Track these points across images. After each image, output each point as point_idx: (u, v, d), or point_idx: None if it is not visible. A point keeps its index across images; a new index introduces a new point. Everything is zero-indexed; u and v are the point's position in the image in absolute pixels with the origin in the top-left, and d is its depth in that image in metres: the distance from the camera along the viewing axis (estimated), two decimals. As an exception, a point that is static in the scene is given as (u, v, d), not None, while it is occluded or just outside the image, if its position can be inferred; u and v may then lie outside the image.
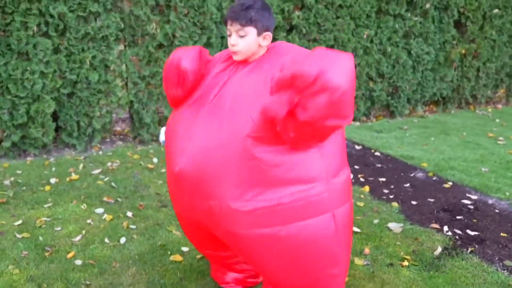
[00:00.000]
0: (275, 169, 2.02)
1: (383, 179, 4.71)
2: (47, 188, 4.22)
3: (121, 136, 5.89)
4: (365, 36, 6.61)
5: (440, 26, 7.19)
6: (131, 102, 5.51)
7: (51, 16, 4.82)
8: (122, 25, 5.22)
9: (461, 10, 7.27)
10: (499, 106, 8.40)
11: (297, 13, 6.09)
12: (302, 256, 2.15)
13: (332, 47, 6.38)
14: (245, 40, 2.17)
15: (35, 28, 4.80)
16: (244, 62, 2.24)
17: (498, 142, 6.10)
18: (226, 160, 2.04)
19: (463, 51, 7.50)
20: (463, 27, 7.46)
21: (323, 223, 2.10)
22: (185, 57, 2.30)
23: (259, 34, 2.17)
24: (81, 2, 4.91)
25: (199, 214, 2.23)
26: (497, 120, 7.32)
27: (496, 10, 7.52)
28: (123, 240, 3.37)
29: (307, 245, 2.11)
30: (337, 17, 6.33)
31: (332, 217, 2.11)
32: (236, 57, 2.23)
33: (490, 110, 8.06)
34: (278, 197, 2.03)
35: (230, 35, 2.20)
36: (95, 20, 5.09)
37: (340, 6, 6.29)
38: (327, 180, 2.10)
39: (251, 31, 2.15)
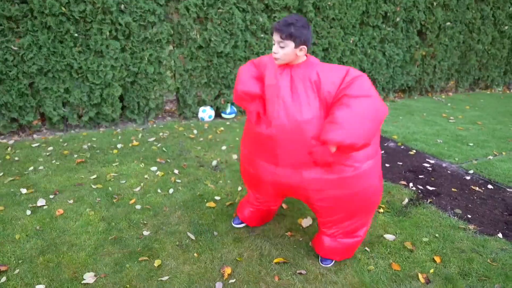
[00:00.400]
0: None
1: (364, 147, 4.59)
2: (115, 151, 4.19)
3: (170, 114, 5.81)
4: (351, 41, 6.44)
5: (406, 34, 7.00)
6: (178, 88, 5.43)
7: (120, 24, 4.72)
8: (172, 32, 5.10)
9: (423, 22, 7.08)
10: (450, 93, 8.21)
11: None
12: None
13: (326, 49, 6.24)
14: (284, 50, 2.05)
15: (107, 33, 4.69)
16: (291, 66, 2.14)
17: (450, 120, 5.96)
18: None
19: (424, 53, 7.34)
20: (424, 35, 7.26)
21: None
22: (244, 84, 2.25)
23: (296, 46, 2.04)
24: (142, 14, 4.79)
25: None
26: (449, 104, 7.16)
27: (448, 23, 7.34)
28: (171, 190, 3.33)
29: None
30: (331, 27, 6.13)
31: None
32: (276, 62, 2.12)
33: (443, 97, 7.89)
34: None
35: (274, 44, 2.09)
36: (152, 27, 4.96)
37: (333, 19, 6.09)
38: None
39: (290, 44, 2.03)
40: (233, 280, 2.25)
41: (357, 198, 2.18)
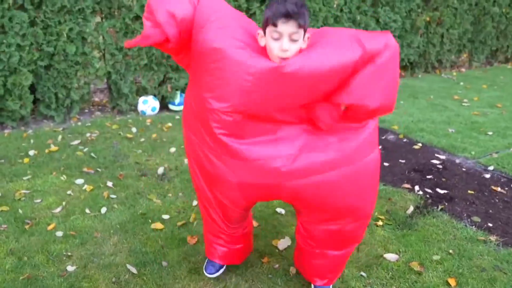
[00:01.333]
0: None
1: (356, 142, 4.64)
2: (26, 160, 4.10)
3: (100, 107, 5.75)
4: (335, 6, 6.55)
5: (406, -6, 7.18)
6: (109, 73, 5.40)
7: (26, -12, 4.66)
8: (99, -3, 5.06)
9: (425, -21, 7.25)
10: (463, 69, 8.46)
11: (269, -17, 5.90)
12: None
13: (304, 15, 6.26)
14: (297, 45, 1.85)
15: (10, 1, 4.63)
16: None
17: (463, 104, 6.12)
18: None
19: (428, 19, 7.53)
20: (428, -5, 7.47)
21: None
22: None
23: (303, 37, 1.88)
24: (57, -25, 4.73)
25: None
26: (461, 83, 7.36)
27: (457, -21, 7.54)
28: (104, 210, 3.29)
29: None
30: (309, -14, 6.19)
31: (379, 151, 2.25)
32: (276, 60, 1.88)
33: (454, 73, 8.11)
34: None
35: (278, 39, 1.84)
36: (71, -8, 4.91)
37: (313, -25, 6.16)
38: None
39: (301, 33, 1.84)
40: (189, 325, 2.24)
41: (358, 174, 2.15)
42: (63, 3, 4.81)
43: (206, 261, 2.62)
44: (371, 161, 2.16)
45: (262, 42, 1.93)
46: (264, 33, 1.89)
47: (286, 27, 1.80)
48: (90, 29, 5.09)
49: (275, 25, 1.81)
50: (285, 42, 1.82)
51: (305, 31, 1.87)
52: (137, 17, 5.25)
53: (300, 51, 1.89)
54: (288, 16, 1.78)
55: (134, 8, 5.18)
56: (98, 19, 5.20)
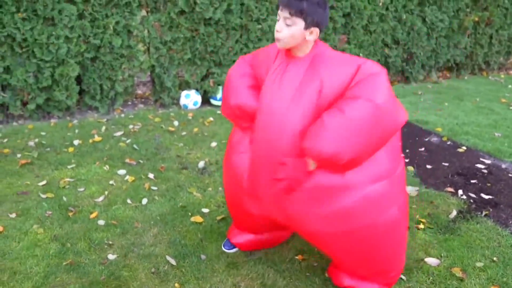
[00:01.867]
0: None
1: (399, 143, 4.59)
2: (71, 149, 4.21)
3: (143, 100, 5.83)
4: (380, 4, 6.49)
5: (454, -6, 7.06)
6: (153, 66, 5.46)
7: (76, -18, 4.77)
8: (145, -8, 5.13)
9: (475, -22, 7.13)
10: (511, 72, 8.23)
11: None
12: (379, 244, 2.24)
13: (348, 14, 6.28)
14: (290, 30, 2.05)
15: (60, -6, 4.73)
16: (292, 59, 2.16)
17: (511, 107, 5.96)
18: None
19: (476, 19, 7.37)
20: (477, -6, 7.32)
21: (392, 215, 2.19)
22: (240, 96, 2.31)
23: (306, 27, 2.04)
24: (105, -30, 4.83)
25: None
26: (510, 86, 7.21)
27: (509, -22, 7.37)
28: (144, 201, 3.34)
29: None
30: (354, -15, 6.16)
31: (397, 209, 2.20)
32: (278, 44, 2.11)
33: (502, 76, 7.93)
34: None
35: (278, 20, 2.08)
36: (119, -14, 4.99)
37: (357, -26, 6.13)
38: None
39: (299, 22, 2.03)
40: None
41: (362, 236, 2.16)
42: (110, -3, 4.91)
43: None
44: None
45: None
46: None
47: (282, 12, 2.05)
48: (136, 22, 5.16)
49: (278, 8, 2.09)
50: (280, 23, 2.07)
51: (306, 20, 2.03)
52: (182, 12, 5.28)
53: (304, 42, 2.10)
54: (283, 3, 2.04)
55: (179, 2, 5.20)
56: (143, 13, 5.26)
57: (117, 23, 5.02)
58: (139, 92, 6.04)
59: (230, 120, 2.42)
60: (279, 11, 2.06)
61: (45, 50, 4.75)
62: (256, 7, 5.54)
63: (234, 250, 2.76)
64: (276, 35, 2.08)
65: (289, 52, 2.17)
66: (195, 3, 5.23)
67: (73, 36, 4.83)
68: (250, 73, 2.36)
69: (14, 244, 2.78)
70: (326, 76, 2.06)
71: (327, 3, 2.08)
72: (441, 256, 2.80)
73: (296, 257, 2.74)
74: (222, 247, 2.79)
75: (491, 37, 7.63)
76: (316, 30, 2.07)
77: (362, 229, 2.13)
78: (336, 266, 2.47)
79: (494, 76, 7.86)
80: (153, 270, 2.59)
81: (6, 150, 4.10)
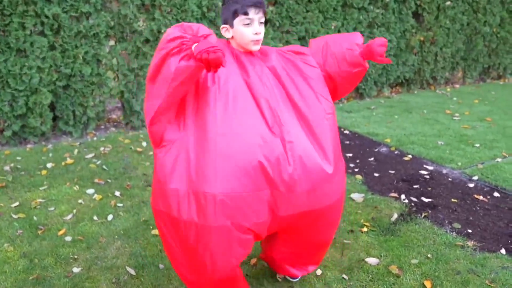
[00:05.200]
0: None
1: (350, 155, 4.69)
2: (44, 172, 4.19)
3: (115, 123, 5.83)
4: (332, 27, 6.61)
5: (399, 16, 7.22)
6: (122, 92, 5.48)
7: (46, 17, 4.78)
8: (112, 23, 5.18)
9: (418, 2, 7.33)
10: (457, 86, 8.44)
11: (270, 8, 6.05)
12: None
13: (303, 38, 6.39)
14: (263, 28, 2.03)
15: (32, 28, 4.75)
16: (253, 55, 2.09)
17: (454, 118, 6.12)
18: None
19: (422, 38, 7.56)
20: (421, 17, 7.51)
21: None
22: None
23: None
24: (73, 4, 4.87)
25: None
26: (455, 99, 7.36)
27: (448, 2, 7.61)
28: (110, 217, 3.35)
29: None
30: (307, 11, 6.31)
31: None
32: (256, 47, 2.04)
33: (448, 89, 8.10)
34: None
35: (250, 24, 1.98)
36: (87, 19, 5.04)
37: (309, 1, 6.29)
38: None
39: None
40: (179, 322, 2.29)
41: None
42: (79, 29, 4.93)
43: None
44: None
45: (228, 35, 2.07)
46: (231, 25, 2.02)
47: (256, 15, 1.98)
48: (104, 52, 5.18)
49: (246, 13, 1.97)
50: (257, 25, 1.99)
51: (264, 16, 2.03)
52: (147, 40, 5.34)
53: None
54: (257, 5, 1.97)
55: (144, 32, 5.27)
56: (111, 42, 5.29)
57: (86, 53, 5.04)
58: (114, 116, 6.02)
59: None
60: (251, 15, 1.97)
61: (18, 80, 4.75)
62: (216, 34, 5.62)
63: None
64: (258, 37, 2.01)
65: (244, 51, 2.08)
66: (159, 32, 5.30)
67: (45, 66, 4.84)
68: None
69: (-16, 262, 2.78)
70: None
71: None
72: (380, 256, 2.86)
73: (248, 262, 2.79)
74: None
75: (436, 55, 7.81)
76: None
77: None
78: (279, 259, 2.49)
79: (441, 90, 8.02)
80: (114, 280, 2.61)
81: (-18, 175, 4.09)
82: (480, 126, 5.72)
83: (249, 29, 1.99)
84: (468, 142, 5.04)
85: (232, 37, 2.05)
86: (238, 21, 1.99)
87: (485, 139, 5.15)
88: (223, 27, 2.06)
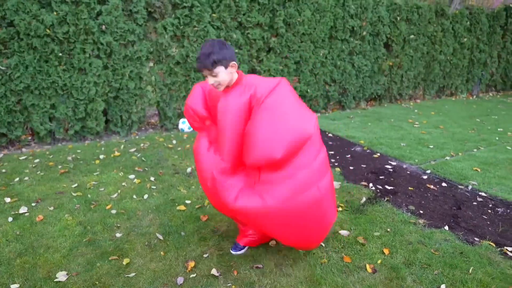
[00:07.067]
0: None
1: (332, 152, 4.70)
2: (97, 161, 4.24)
3: (153, 126, 5.86)
4: (321, 54, 6.57)
5: (373, 46, 7.18)
6: (158, 102, 5.49)
7: (102, 44, 4.81)
8: (151, 49, 5.19)
9: (388, 35, 7.29)
10: (418, 101, 8.38)
11: (273, 39, 6.03)
12: (306, 217, 2.10)
13: (298, 62, 6.37)
14: (218, 77, 2.01)
15: (90, 52, 4.78)
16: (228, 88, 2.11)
17: (415, 125, 6.09)
18: None
19: (391, 64, 7.51)
20: (390, 47, 7.46)
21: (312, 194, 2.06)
22: (194, 103, 2.23)
23: (226, 67, 2.01)
24: (122, 34, 4.89)
25: None
26: (416, 111, 7.32)
27: (412, 36, 7.56)
28: (146, 196, 3.39)
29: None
30: (301, 41, 6.27)
31: (317, 188, 2.07)
32: (219, 89, 2.07)
33: (412, 104, 8.05)
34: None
35: (206, 77, 2.04)
36: (132, 46, 5.06)
37: (303, 34, 6.24)
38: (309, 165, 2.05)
39: (220, 69, 1.99)
40: (194, 275, 2.33)
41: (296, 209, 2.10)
42: (126, 53, 4.95)
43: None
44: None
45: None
46: None
47: (206, 72, 2.01)
48: (145, 71, 5.19)
49: (200, 71, 2.03)
50: (210, 79, 2.03)
51: (223, 64, 1.99)
52: (178, 63, 5.35)
53: (237, 81, 2.08)
54: (200, 68, 2.00)
55: (175, 56, 5.29)
56: (151, 64, 5.31)
57: (131, 71, 5.06)
58: (152, 120, 6.04)
59: (186, 117, 2.33)
60: (204, 73, 2.02)
61: (79, 91, 4.79)
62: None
63: (242, 251, 2.57)
64: (213, 85, 2.04)
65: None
66: (187, 56, 5.32)
67: (99, 81, 4.87)
68: (204, 97, 2.27)
69: (50, 228, 2.84)
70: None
71: (225, 42, 2.02)
72: (351, 229, 2.88)
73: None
74: (231, 251, 2.57)
75: (402, 76, 7.76)
76: (234, 63, 2.03)
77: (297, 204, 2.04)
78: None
79: (406, 104, 7.97)
80: (146, 243, 2.65)
81: (51, 163, 4.14)
82: (435, 132, 5.69)
83: (208, 79, 2.04)
84: (425, 144, 5.03)
85: None
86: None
87: (438, 142, 5.13)
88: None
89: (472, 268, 2.46)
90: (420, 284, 2.31)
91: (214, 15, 5.38)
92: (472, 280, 2.34)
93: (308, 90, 6.54)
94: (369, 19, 6.85)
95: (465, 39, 8.32)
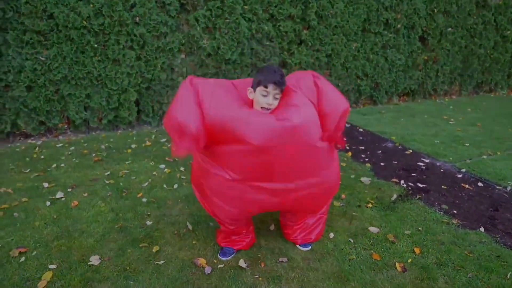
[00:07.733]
0: None
1: (363, 147, 4.63)
2: (129, 151, 4.33)
3: (183, 117, 5.92)
4: (354, 47, 6.46)
5: (408, 40, 6.97)
6: (189, 93, 5.51)
7: (135, 35, 4.89)
8: (183, 41, 5.24)
9: (424, 28, 7.06)
10: (454, 97, 8.11)
11: (304, 31, 5.96)
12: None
13: (329, 55, 6.29)
14: (277, 102, 2.00)
15: (124, 44, 4.86)
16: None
17: (450, 122, 5.91)
18: None
19: (426, 58, 7.29)
20: (426, 40, 7.22)
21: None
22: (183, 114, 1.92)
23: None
24: (155, 26, 4.96)
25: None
26: (451, 107, 7.09)
27: (449, 29, 7.29)
28: (176, 186, 3.43)
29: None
30: (334, 34, 6.18)
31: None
32: (267, 110, 1.99)
33: (446, 100, 7.81)
34: None
35: (266, 96, 1.97)
36: (165, 37, 5.12)
37: (335, 26, 6.14)
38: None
39: (280, 95, 2.02)
40: (221, 265, 2.36)
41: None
42: (159, 45, 5.02)
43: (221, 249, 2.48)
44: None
45: (250, 96, 2.07)
46: (254, 90, 2.04)
47: (273, 90, 1.97)
48: (177, 62, 5.25)
49: (266, 86, 1.97)
50: (271, 99, 1.99)
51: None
52: (209, 54, 5.38)
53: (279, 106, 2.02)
54: (276, 83, 1.96)
55: (207, 48, 5.31)
56: (182, 55, 5.35)
57: (163, 63, 5.13)
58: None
59: (168, 132, 2.01)
60: (268, 89, 1.95)
61: (113, 82, 4.89)
62: (262, 51, 5.64)
63: (230, 257, 2.42)
64: (269, 107, 1.98)
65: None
66: (218, 48, 5.34)
67: (132, 72, 4.95)
68: (198, 101, 1.95)
69: (84, 213, 2.93)
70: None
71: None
72: (381, 226, 2.83)
73: (270, 228, 2.83)
74: (219, 256, 2.43)
75: (437, 71, 7.53)
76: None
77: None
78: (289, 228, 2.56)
79: (440, 100, 7.75)
80: (175, 232, 2.70)
81: (85, 151, 4.27)
82: (471, 129, 5.50)
83: (264, 99, 1.98)
84: (460, 142, 4.86)
85: (252, 99, 2.07)
86: (259, 89, 2.00)
87: (474, 140, 4.95)
88: (248, 89, 2.08)
89: (510, 273, 2.36)
90: (452, 286, 2.24)
91: (245, 7, 5.37)
92: (510, 286, 2.25)
93: (339, 84, 6.44)
94: (404, 12, 6.66)
95: (508, 32, 7.94)
